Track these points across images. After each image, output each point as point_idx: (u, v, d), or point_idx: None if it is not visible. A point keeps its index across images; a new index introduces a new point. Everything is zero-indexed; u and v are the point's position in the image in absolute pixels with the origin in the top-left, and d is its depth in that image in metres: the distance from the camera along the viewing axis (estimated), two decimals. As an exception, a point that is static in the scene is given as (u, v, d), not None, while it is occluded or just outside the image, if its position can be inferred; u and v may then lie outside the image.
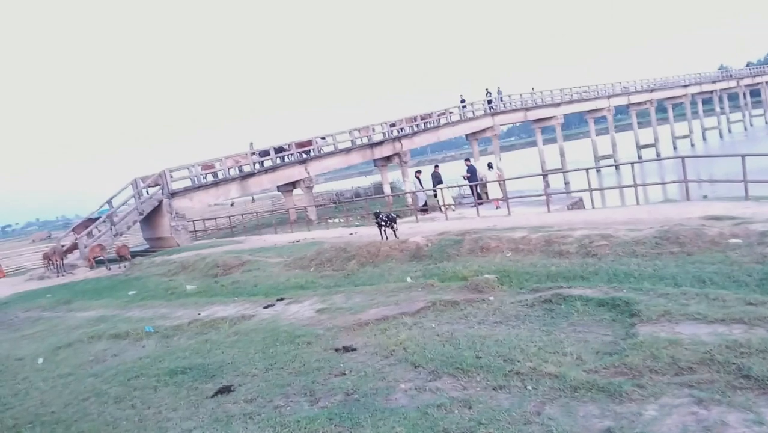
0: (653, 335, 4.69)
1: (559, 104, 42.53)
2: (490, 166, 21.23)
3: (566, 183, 32.33)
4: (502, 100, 38.03)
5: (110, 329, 8.80)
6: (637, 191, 15.09)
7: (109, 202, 24.55)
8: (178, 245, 22.52)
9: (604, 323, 5.44)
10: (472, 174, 21.20)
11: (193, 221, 27.55)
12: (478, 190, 20.73)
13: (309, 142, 29.29)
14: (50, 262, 20.62)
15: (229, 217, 29.58)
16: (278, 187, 30.10)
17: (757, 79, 68.10)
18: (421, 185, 22.27)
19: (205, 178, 26.22)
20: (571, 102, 44.07)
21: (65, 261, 20.75)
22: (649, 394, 3.77)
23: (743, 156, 12.15)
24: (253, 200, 44.22)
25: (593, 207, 15.93)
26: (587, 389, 3.94)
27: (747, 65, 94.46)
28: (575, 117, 58.23)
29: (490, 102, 36.98)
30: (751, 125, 64.86)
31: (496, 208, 18.20)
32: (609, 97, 47.41)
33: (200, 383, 5.59)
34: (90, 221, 24.35)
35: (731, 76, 65.96)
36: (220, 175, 26.55)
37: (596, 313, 5.72)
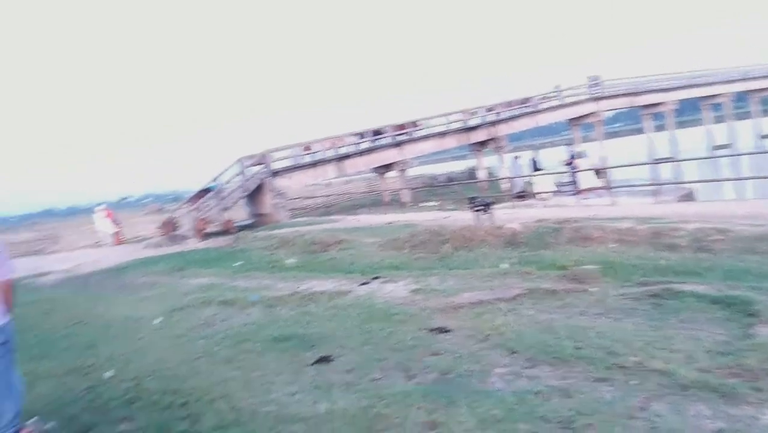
0: (775, 337, 4.36)
1: (670, 89, 39.79)
2: (578, 155, 20.38)
3: (676, 173, 30.33)
4: (598, 86, 36.18)
5: (219, 296, 9.38)
6: (758, 185, 13.90)
7: (215, 178, 26.01)
8: (279, 222, 23.50)
9: (718, 322, 5.12)
10: (572, 161, 20.44)
11: (292, 199, 28.60)
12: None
13: (404, 126, 29.54)
14: (165, 231, 22.23)
15: (326, 197, 30.44)
16: (373, 169, 30.55)
17: None
18: (519, 171, 21.77)
19: (304, 158, 27.12)
20: (683, 87, 41.08)
21: (177, 232, 22.29)
22: (766, 398, 3.54)
23: None
24: (349, 181, 45.23)
25: (706, 200, 14.86)
26: (698, 388, 3.75)
27: None
28: (687, 103, 54.15)
29: (591, 87, 35.44)
30: None
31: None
32: (727, 82, 43.73)
33: (301, 351, 5.86)
34: (204, 192, 25.86)
35: None
36: (318, 157, 27.34)
37: (709, 310, 5.39)
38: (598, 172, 18.51)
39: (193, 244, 19.90)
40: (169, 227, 22.12)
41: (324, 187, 42.35)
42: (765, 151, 35.51)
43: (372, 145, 28.57)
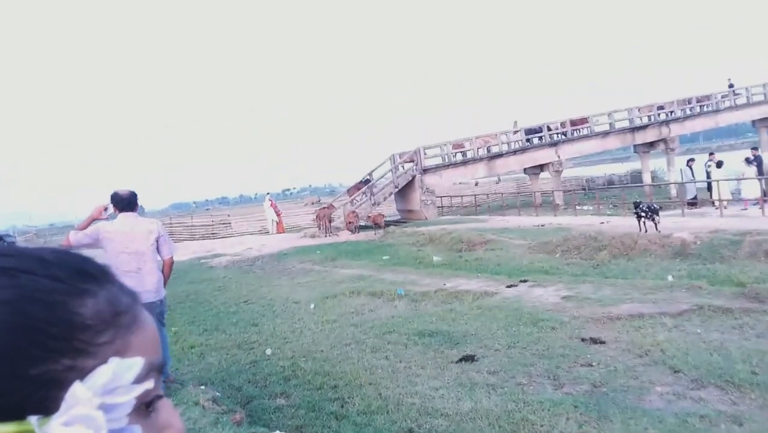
0: None
1: None
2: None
3: None
4: (735, 93, 31.30)
5: (367, 287, 9.78)
6: None
7: (369, 174, 27.06)
8: (426, 219, 23.84)
9: None
10: (759, 165, 18.10)
11: (440, 196, 28.82)
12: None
13: (582, 121, 28.69)
14: (321, 223, 23.63)
15: (474, 196, 30.22)
16: (525, 169, 29.70)
17: None
18: (693, 175, 19.81)
19: (454, 156, 27.18)
20: None
21: (332, 223, 23.58)
22: None
23: None
24: (499, 181, 44.46)
25: None
26: None
27: None
28: None
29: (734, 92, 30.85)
30: None
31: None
32: None
33: (446, 348, 5.91)
34: (362, 183, 27.03)
35: None
36: (469, 155, 27.22)
37: None
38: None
39: (345, 236, 20.89)
40: (324, 219, 23.43)
41: (473, 186, 42.05)
42: None
43: (525, 144, 27.82)
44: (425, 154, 26.38)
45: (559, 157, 27.75)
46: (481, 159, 27.26)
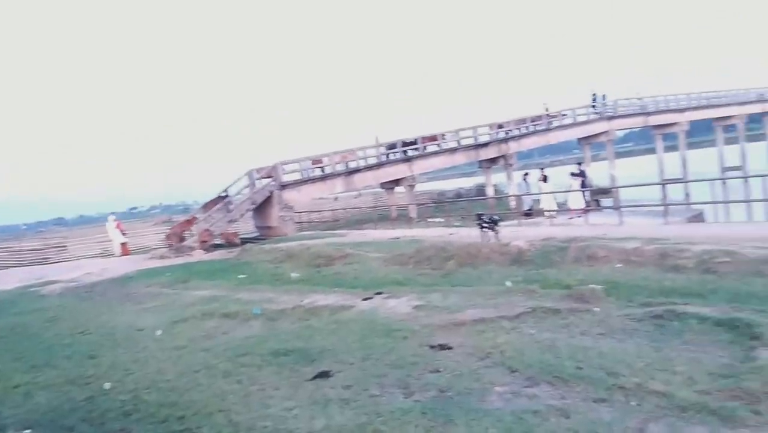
0: (778, 361, 4.30)
1: (683, 110, 39.68)
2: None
3: (686, 194, 30.14)
4: (605, 106, 35.85)
5: (221, 308, 9.40)
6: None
7: (225, 190, 26.16)
8: (285, 235, 23.55)
9: (721, 344, 5.05)
10: (583, 179, 20.37)
11: (299, 212, 28.68)
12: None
13: (433, 138, 30.29)
14: (171, 242, 22.33)
15: (333, 211, 30.49)
16: (381, 184, 30.64)
17: None
18: (527, 188, 21.72)
19: (313, 172, 27.26)
20: (697, 108, 40.96)
21: (183, 243, 22.39)
22: (766, 421, 3.48)
23: None
24: (359, 195, 45.28)
25: (716, 221, 14.74)
26: (697, 411, 3.70)
27: None
28: (701, 124, 53.93)
29: (594, 107, 35.22)
30: None
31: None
32: (742, 104, 43.56)
33: (301, 365, 5.84)
34: (219, 199, 25.90)
35: None
36: (328, 170, 27.45)
37: (712, 333, 5.32)
38: (604, 191, 18.47)
39: (199, 255, 19.97)
40: (175, 238, 22.21)
41: (332, 201, 42.42)
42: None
43: (381, 160, 28.69)
44: (284, 169, 26.11)
45: (412, 172, 28.97)
46: (339, 174, 27.59)
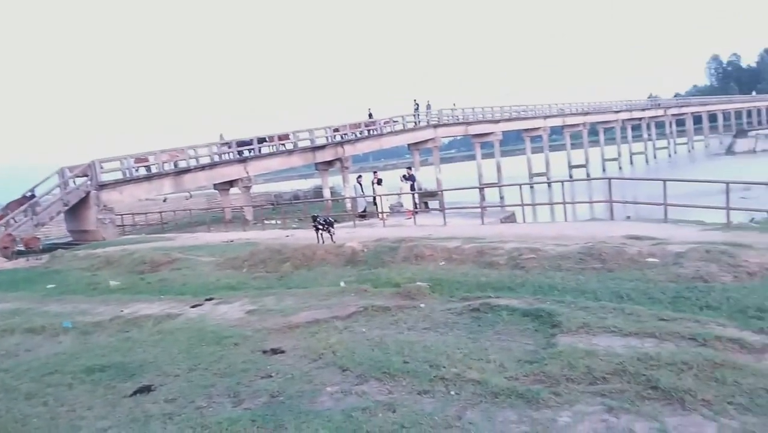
0: (572, 345, 4.89)
1: (498, 121, 43.80)
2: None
3: (501, 197, 33.24)
4: (428, 114, 38.15)
5: (24, 322, 8.33)
6: (566, 209, 15.72)
7: (32, 190, 23.26)
8: (104, 239, 21.59)
9: (528, 333, 5.63)
10: (412, 182, 21.46)
11: (122, 215, 26.51)
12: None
13: (286, 136, 30.32)
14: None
15: (161, 213, 28.62)
16: (215, 185, 29.49)
17: (683, 110, 72.70)
18: (362, 191, 22.32)
19: (137, 171, 25.36)
20: (509, 120, 45.49)
21: (-22, 250, 19.45)
22: (565, 401, 3.93)
23: (665, 181, 12.91)
24: (190, 196, 43.03)
25: (525, 221, 16.47)
26: (507, 396, 4.07)
27: (675, 96, 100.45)
28: (513, 134, 60.07)
29: (416, 114, 37.12)
30: (675, 152, 68.85)
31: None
32: (546, 117, 49.27)
33: (119, 381, 5.38)
34: (25, 199, 22.87)
35: (659, 105, 69.99)
36: (154, 170, 25.70)
37: (521, 323, 5.92)
38: (431, 194, 19.68)
39: (0, 263, 17.51)
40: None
41: (160, 202, 39.80)
42: (574, 179, 40.43)
43: (214, 160, 27.57)
44: (102, 167, 23.92)
45: (248, 173, 28.28)
46: (167, 174, 26.01)
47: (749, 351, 4.57)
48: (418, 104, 37.00)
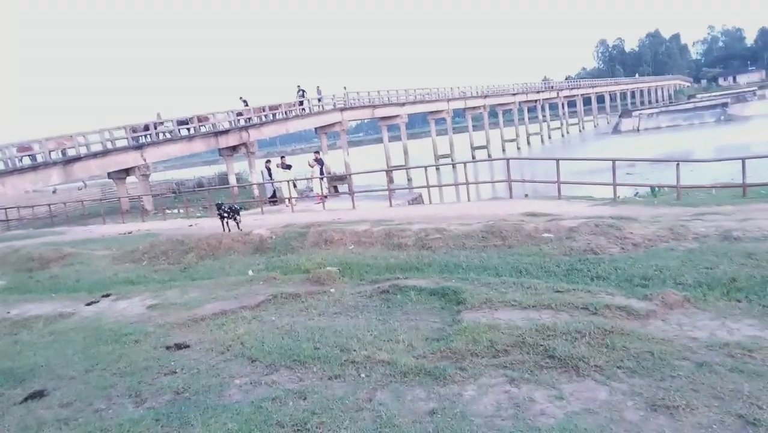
0: (475, 321, 5.09)
1: (403, 104, 44.31)
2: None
3: (409, 179, 33.81)
4: (320, 100, 36.73)
5: None
6: (469, 189, 16.25)
7: None
8: (-15, 236, 19.76)
9: (435, 311, 5.80)
10: (321, 167, 21.28)
11: (5, 208, 24.40)
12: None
13: (206, 118, 29.44)
14: None
15: (50, 205, 26.60)
16: (109, 174, 27.76)
17: (574, 92, 77.19)
18: (270, 176, 21.87)
19: (21, 161, 23.34)
20: (414, 102, 46.15)
21: None
22: (470, 375, 4.09)
23: (557, 160, 13.66)
24: (84, 187, 40.33)
25: (431, 202, 16.87)
26: (416, 374, 4.17)
27: (566, 79, 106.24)
28: (419, 117, 61.13)
29: (302, 102, 35.10)
30: (567, 132, 73.00)
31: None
32: (449, 100, 50.48)
33: (7, 388, 4.99)
34: None
35: (552, 87, 73.72)
36: (40, 159, 23.76)
37: (428, 302, 6.07)
38: (340, 178, 19.63)
39: None
40: None
41: (49, 194, 36.99)
42: (476, 160, 41.86)
43: (106, 147, 25.89)
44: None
45: (145, 160, 26.85)
46: (55, 163, 24.15)
47: (636, 317, 4.96)
48: (303, 90, 35.13)
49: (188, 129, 29.19)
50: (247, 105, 32.21)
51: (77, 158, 24.77)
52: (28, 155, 23.67)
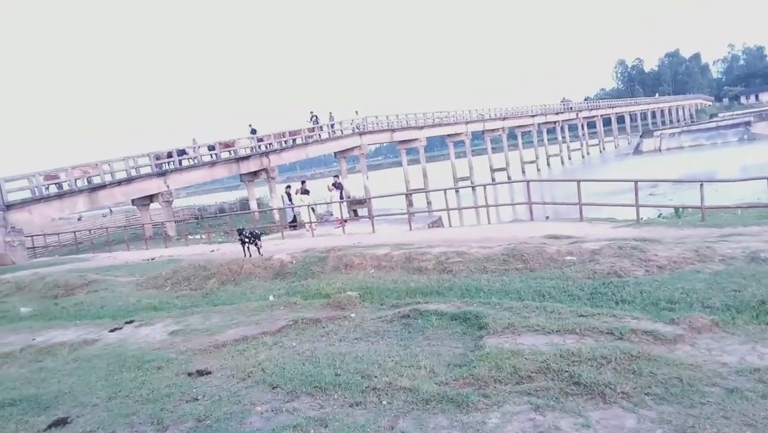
0: (498, 346, 5.02)
1: (422, 127, 44.56)
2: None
3: (428, 202, 33.82)
4: (332, 126, 36.96)
5: None
6: (489, 211, 16.19)
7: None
8: (13, 263, 20.17)
9: (456, 336, 5.73)
10: (340, 191, 21.43)
11: (32, 236, 24.90)
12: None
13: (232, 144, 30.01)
14: None
15: (75, 232, 27.09)
16: (133, 200, 28.26)
17: (593, 113, 76.92)
18: (290, 201, 22.05)
19: (47, 189, 23.91)
20: (433, 126, 46.38)
21: None
22: (493, 403, 4.02)
23: (579, 181, 13.56)
24: (110, 213, 41.05)
25: (451, 226, 16.81)
26: (438, 401, 4.11)
27: (585, 99, 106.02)
28: (437, 140, 61.39)
29: (312, 129, 35.15)
30: (588, 153, 72.61)
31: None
32: (467, 123, 50.62)
33: (32, 415, 5.02)
34: None
35: (571, 108, 73.60)
36: (66, 187, 24.32)
37: (449, 326, 6.01)
38: (359, 202, 19.71)
39: None
40: None
41: (75, 221, 37.72)
42: (496, 182, 41.76)
43: (131, 174, 26.42)
44: (6, 187, 22.37)
45: (168, 187, 27.29)
46: (80, 191, 24.70)
47: (662, 342, 4.84)
48: (315, 115, 35.38)
49: (211, 155, 29.64)
50: (254, 133, 32.46)
51: (102, 186, 25.30)
52: (55, 183, 24.24)
